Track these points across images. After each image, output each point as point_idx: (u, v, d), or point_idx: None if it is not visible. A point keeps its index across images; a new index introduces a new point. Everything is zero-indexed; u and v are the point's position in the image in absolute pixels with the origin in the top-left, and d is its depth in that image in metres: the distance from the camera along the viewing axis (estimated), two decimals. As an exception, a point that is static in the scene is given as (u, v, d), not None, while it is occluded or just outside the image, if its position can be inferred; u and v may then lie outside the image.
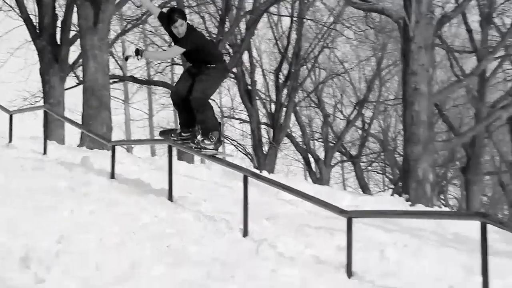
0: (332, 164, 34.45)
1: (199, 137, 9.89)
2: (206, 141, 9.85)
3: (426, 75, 18.57)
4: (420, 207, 16.20)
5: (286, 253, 8.67)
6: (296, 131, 34.85)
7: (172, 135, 10.35)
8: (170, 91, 10.45)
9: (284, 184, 10.05)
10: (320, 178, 31.97)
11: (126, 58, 9.78)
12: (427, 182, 18.32)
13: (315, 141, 35.84)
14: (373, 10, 22.66)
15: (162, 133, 11.01)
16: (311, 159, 33.56)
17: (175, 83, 10.64)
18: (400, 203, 16.10)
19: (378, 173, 40.38)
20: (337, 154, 35.42)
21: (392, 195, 19.32)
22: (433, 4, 20.48)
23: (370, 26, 30.61)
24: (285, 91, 29.70)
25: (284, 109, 29.42)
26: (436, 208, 17.47)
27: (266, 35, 33.11)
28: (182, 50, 9.76)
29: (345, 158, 36.38)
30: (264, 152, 28.98)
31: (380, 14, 24.18)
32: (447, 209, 25.42)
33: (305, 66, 31.31)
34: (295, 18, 29.48)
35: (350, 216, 8.25)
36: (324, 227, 9.95)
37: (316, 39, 30.78)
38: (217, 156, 10.28)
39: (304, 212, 11.07)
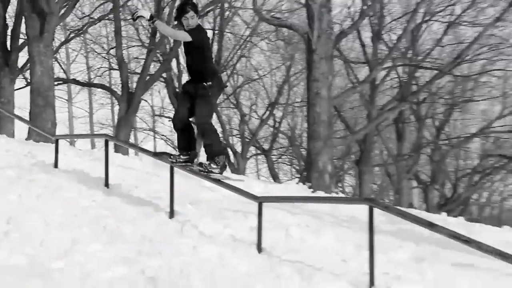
0: (247, 156, 34.57)
1: (205, 161, 8.82)
2: (212, 165, 8.78)
3: (326, 81, 18.79)
4: (320, 193, 16.38)
5: (207, 233, 8.68)
6: (217, 128, 34.76)
7: (171, 157, 9.15)
8: (172, 116, 9.19)
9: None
10: (237, 169, 32.04)
11: (136, 18, 8.39)
12: (326, 172, 18.56)
13: (234, 137, 35.87)
14: (283, 26, 22.82)
15: (155, 154, 9.95)
16: (230, 152, 33.58)
17: (175, 109, 9.41)
18: (304, 190, 16.24)
19: (286, 164, 40.60)
20: (252, 148, 35.52)
21: (297, 183, 19.46)
22: (332, 22, 20.71)
23: (280, 39, 30.83)
24: (207, 94, 29.60)
25: (207, 109, 29.32)
26: (333, 194, 17.70)
27: (192, 45, 32.94)
28: (189, 38, 8.44)
29: (259, 151, 36.52)
30: (189, 146, 28.84)
31: (288, 29, 24.34)
32: (342, 195, 25.77)
33: (225, 72, 31.27)
34: (216, 31, 29.45)
35: (260, 201, 8.31)
36: (239, 211, 9.99)
37: (235, 49, 30.82)
38: (224, 180, 9.16)
39: (223, 198, 11.09)
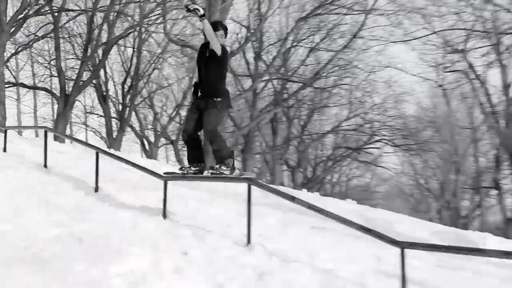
0: (159, 146, 34.19)
1: (216, 165, 7.56)
2: (223, 167, 7.52)
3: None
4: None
5: (123, 203, 8.60)
6: (135, 123, 34.16)
7: (182, 169, 7.89)
8: (182, 131, 7.81)
9: (124, 158, 9.94)
10: (151, 155, 31.66)
11: (192, 10, 7.05)
12: (218, 158, 18.61)
13: (148, 130, 35.36)
14: (186, 46, 22.85)
15: (166, 173, 8.40)
16: (146, 142, 33.15)
17: (184, 123, 7.94)
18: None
19: (189, 152, 40.31)
20: (162, 140, 35.14)
21: (196, 166, 19.44)
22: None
23: (185, 55, 30.64)
24: (128, 97, 29.11)
25: (127, 108, 28.84)
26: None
27: (117, 59, 32.28)
28: (219, 50, 7.35)
29: (168, 142, 36.21)
30: (114, 137, 28.34)
31: (191, 49, 24.31)
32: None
33: (142, 81, 30.80)
34: (135, 49, 28.95)
35: (165, 179, 8.28)
36: (150, 187, 9.91)
37: (149, 63, 30.39)
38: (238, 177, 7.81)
39: (138, 177, 10.96)
